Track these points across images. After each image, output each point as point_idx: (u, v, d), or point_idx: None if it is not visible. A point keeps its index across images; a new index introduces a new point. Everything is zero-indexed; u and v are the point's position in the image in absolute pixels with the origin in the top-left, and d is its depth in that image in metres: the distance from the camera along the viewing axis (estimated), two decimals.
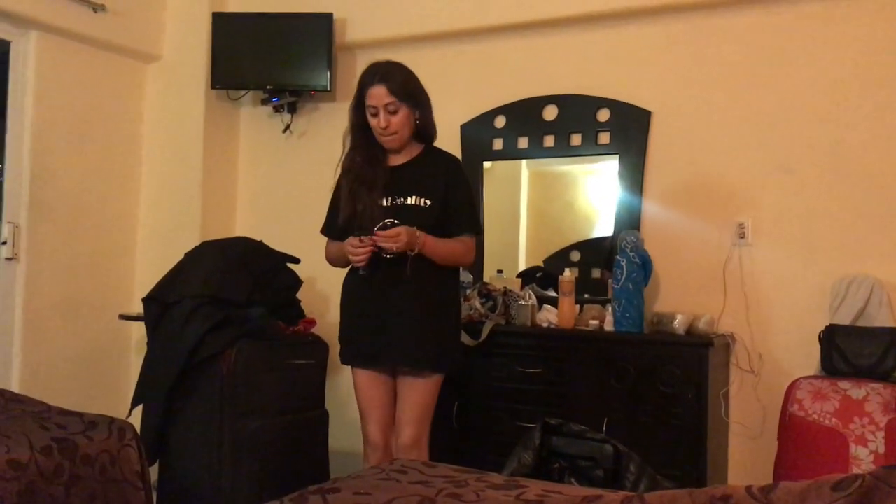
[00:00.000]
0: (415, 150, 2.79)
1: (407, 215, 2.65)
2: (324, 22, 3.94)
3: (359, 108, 2.71)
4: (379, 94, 2.64)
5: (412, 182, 2.72)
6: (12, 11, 3.55)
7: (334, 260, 2.85)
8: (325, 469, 3.43)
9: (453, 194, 2.73)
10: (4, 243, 3.63)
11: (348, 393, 3.79)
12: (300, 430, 3.36)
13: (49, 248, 3.79)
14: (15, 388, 3.51)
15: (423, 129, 2.78)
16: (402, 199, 2.70)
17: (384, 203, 2.69)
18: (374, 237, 2.56)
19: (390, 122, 2.66)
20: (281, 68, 4.00)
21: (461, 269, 2.92)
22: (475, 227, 2.82)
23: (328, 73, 3.97)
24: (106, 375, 4.09)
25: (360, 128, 2.73)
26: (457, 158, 2.88)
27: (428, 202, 2.69)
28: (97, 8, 3.85)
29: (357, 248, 2.59)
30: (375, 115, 2.67)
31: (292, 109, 4.15)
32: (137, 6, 4.12)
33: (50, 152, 3.80)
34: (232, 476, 3.09)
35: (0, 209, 3.71)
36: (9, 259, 3.64)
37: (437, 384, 2.72)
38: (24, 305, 3.67)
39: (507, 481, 1.61)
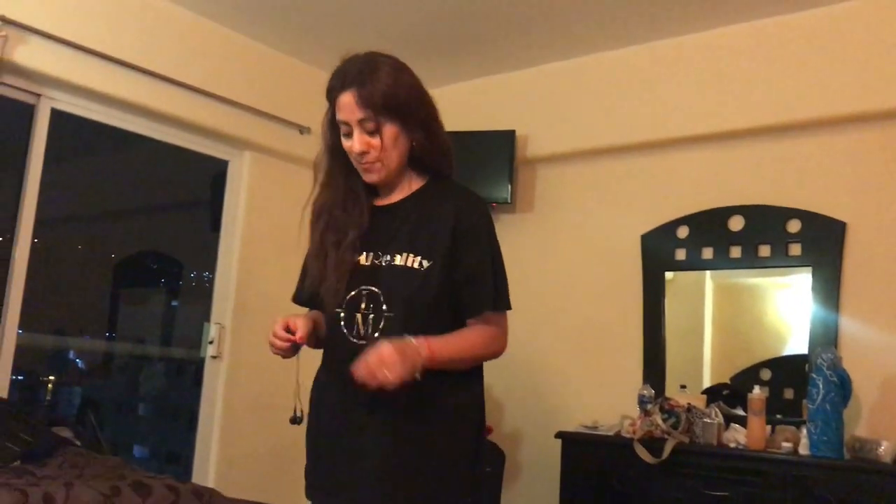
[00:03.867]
0: (414, 183, 1.91)
1: (392, 282, 1.78)
2: (506, 139, 4.11)
3: (333, 126, 1.87)
4: (348, 105, 1.78)
5: (403, 231, 1.83)
6: (232, 135, 3.99)
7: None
8: None
9: (466, 251, 1.80)
10: (211, 342, 3.95)
11: (528, 503, 3.75)
12: None
13: (248, 348, 4.07)
14: (211, 478, 3.73)
15: (426, 157, 1.89)
16: (388, 258, 1.81)
17: (363, 261, 1.83)
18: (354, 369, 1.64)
19: (369, 145, 1.79)
20: (466, 182, 4.17)
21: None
22: (502, 302, 1.84)
23: (509, 187, 4.10)
24: (293, 473, 4.25)
25: (334, 153, 1.90)
26: (476, 197, 1.92)
27: (425, 263, 1.78)
28: (303, 130, 4.23)
29: (276, 338, 1.82)
30: (348, 134, 1.82)
31: None
32: None
33: (255, 260, 4.14)
34: None
35: (209, 311, 4.06)
36: (214, 357, 3.95)
37: None
38: (224, 402, 3.94)
39: None
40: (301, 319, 1.85)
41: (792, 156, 3.48)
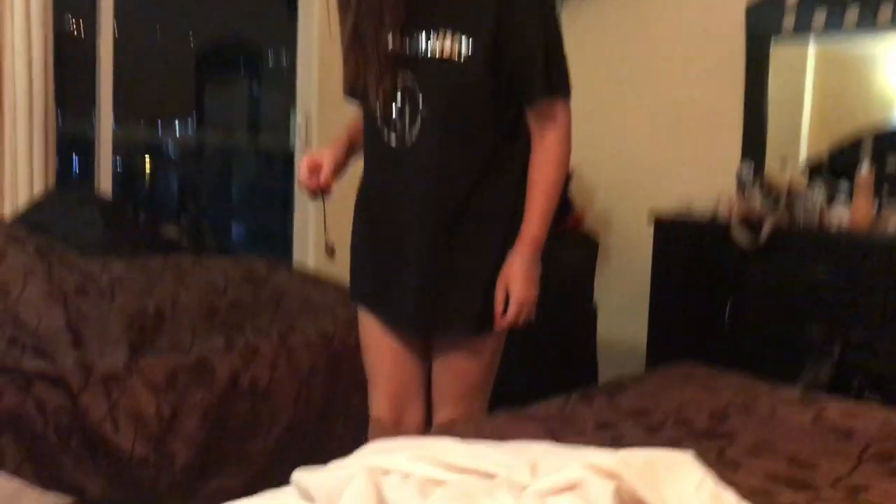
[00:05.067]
0: None
1: (429, 74, 1.59)
2: None
3: None
4: None
5: (440, 7, 1.58)
6: None
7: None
8: (593, 363, 3.49)
9: (516, 28, 1.55)
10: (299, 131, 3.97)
11: (619, 288, 3.80)
12: (568, 324, 3.42)
13: (334, 135, 4.06)
14: (311, 260, 3.86)
15: None
16: (424, 43, 1.58)
17: (397, 48, 1.62)
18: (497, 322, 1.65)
19: None
20: None
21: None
22: (560, 87, 1.61)
23: None
24: None
25: None
26: None
27: (465, 46, 1.54)
28: None
29: (301, 181, 1.78)
30: None
31: None
32: None
33: (336, 43, 3.99)
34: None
35: (294, 99, 4.03)
36: (303, 146, 3.98)
37: (492, 347, 1.73)
38: None
39: (803, 399, 1.53)
40: (328, 154, 1.77)
41: None
